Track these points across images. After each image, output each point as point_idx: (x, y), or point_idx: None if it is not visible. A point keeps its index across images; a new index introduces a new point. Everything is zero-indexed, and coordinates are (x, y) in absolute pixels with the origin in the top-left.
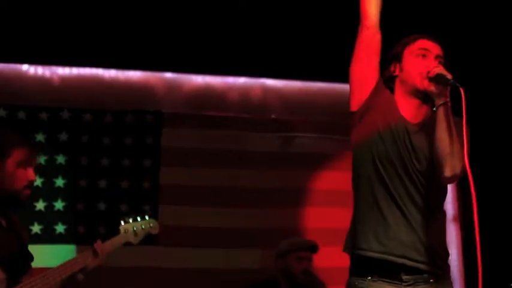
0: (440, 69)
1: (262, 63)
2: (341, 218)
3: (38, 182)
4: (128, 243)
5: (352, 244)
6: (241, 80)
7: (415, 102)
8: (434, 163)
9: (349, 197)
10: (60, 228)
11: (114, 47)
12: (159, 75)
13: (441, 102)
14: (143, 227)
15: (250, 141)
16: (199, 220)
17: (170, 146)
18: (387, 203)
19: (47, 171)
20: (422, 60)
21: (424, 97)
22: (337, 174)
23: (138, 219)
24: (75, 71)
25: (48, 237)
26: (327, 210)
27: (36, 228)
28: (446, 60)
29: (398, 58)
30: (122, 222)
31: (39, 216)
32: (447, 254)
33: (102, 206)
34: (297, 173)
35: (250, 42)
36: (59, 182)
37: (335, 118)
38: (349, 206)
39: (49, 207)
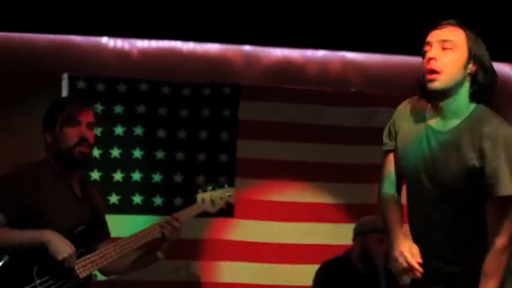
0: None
1: (341, 35)
2: None
3: (116, 153)
4: (205, 213)
5: None
6: (320, 53)
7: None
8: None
9: None
10: (137, 199)
11: (192, 19)
12: (237, 47)
13: None
14: (221, 196)
15: (329, 115)
16: (276, 194)
17: (247, 119)
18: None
19: (125, 143)
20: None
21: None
22: None
23: (216, 188)
24: (154, 43)
25: (125, 208)
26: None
27: (113, 198)
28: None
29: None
30: (199, 191)
31: (117, 187)
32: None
33: (178, 177)
34: (377, 149)
35: (329, 15)
36: (137, 153)
37: (417, 92)
38: None
39: (127, 178)
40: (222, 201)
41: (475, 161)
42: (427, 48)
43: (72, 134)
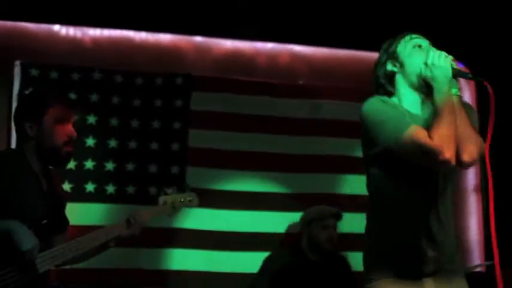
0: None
1: (290, 29)
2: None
3: None
4: (165, 215)
5: None
6: (269, 46)
7: (419, 95)
8: None
9: None
10: (90, 187)
11: (144, 9)
12: (189, 38)
13: (455, 92)
14: (182, 200)
15: (278, 107)
16: (226, 183)
17: (199, 109)
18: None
19: (78, 131)
20: (420, 51)
21: (427, 88)
22: None
23: (178, 192)
24: (106, 32)
25: (78, 196)
26: (351, 177)
27: (66, 186)
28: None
29: (392, 55)
30: (162, 194)
31: (69, 175)
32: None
33: (131, 166)
34: (324, 139)
35: (278, 8)
36: (90, 141)
37: (362, 85)
38: None
39: (79, 166)
40: (182, 205)
41: None
42: (420, 44)
43: (62, 133)
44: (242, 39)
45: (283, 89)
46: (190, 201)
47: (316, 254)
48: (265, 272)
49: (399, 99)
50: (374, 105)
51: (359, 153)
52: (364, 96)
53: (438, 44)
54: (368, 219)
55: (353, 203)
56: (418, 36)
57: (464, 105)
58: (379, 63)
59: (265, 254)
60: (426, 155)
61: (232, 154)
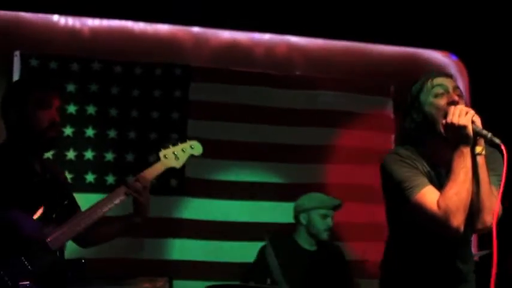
0: (477, 120)
1: (287, 20)
2: (361, 174)
3: (69, 131)
4: (170, 168)
5: None
6: (267, 37)
7: (445, 145)
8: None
9: (368, 155)
10: (90, 177)
11: None
12: (187, 29)
13: (478, 151)
14: (184, 149)
15: (275, 97)
16: (225, 173)
17: (197, 100)
18: None
19: (78, 121)
20: (441, 100)
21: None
22: (358, 132)
23: (179, 143)
24: (105, 22)
25: (78, 186)
26: (348, 166)
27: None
28: None
29: (416, 104)
30: (161, 149)
31: (69, 165)
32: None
33: (130, 156)
34: (320, 130)
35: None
36: (89, 132)
37: (358, 76)
38: (367, 163)
39: (79, 156)
40: (185, 154)
41: None
42: (442, 91)
43: (44, 118)
44: (240, 30)
45: (281, 80)
46: (192, 148)
47: (312, 243)
48: (261, 261)
49: (425, 148)
50: (391, 163)
51: (352, 144)
52: (359, 88)
53: (434, 37)
54: (388, 257)
55: (348, 193)
56: (439, 80)
57: (490, 157)
58: (406, 109)
59: (262, 244)
60: (432, 223)
61: (230, 144)
